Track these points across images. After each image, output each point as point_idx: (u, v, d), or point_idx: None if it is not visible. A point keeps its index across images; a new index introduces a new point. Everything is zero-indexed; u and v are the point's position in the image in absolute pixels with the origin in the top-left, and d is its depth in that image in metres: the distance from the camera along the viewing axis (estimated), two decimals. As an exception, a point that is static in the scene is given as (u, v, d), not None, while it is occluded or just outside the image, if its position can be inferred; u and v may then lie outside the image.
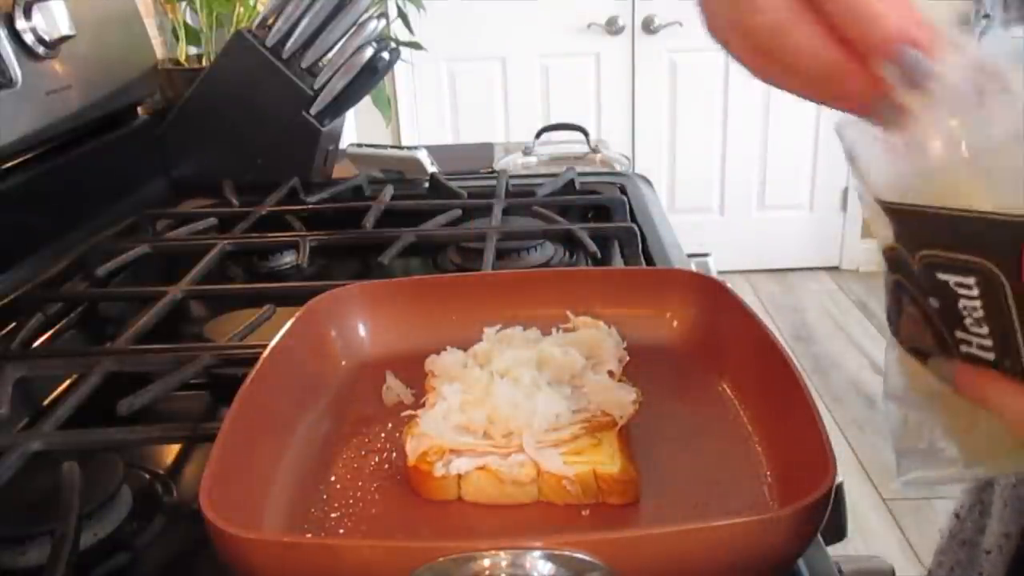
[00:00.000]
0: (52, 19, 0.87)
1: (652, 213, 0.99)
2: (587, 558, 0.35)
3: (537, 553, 0.35)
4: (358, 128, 2.69)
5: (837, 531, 0.57)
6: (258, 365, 0.50)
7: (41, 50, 0.86)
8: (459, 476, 0.46)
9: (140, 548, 0.48)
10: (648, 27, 3.06)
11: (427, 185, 1.10)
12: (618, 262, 0.83)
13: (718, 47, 0.36)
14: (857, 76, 0.32)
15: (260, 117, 1.10)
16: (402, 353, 0.59)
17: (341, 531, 0.44)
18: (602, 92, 3.15)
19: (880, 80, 0.31)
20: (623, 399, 0.49)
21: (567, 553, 0.35)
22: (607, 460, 0.45)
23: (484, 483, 0.46)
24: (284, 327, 0.55)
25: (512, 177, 1.08)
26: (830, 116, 0.35)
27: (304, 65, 1.09)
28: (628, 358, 0.54)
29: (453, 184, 1.06)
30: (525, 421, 0.47)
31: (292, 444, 0.50)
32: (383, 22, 1.11)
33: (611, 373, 0.52)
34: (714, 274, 0.82)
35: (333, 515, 0.45)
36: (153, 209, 1.02)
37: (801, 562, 0.44)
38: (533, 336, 0.56)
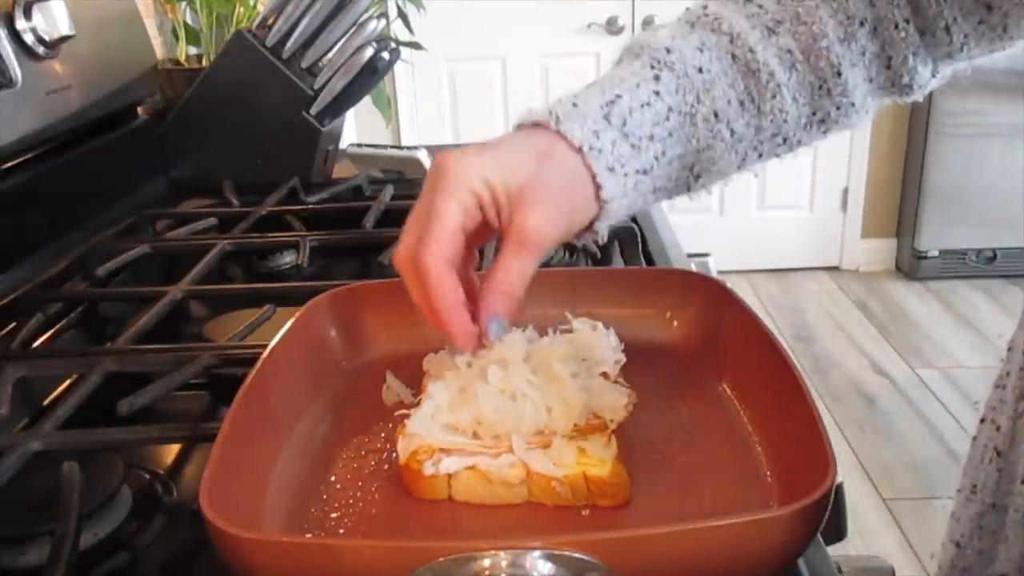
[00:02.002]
0: (52, 19, 0.87)
1: (652, 213, 0.99)
2: (587, 558, 0.35)
3: (537, 553, 0.35)
4: (358, 128, 2.69)
5: (837, 531, 0.57)
6: (258, 365, 0.50)
7: (41, 50, 0.86)
8: (449, 475, 0.46)
9: (140, 548, 0.48)
10: (648, 27, 3.06)
11: (427, 185, 1.10)
12: (618, 262, 0.83)
13: None
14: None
15: (260, 117, 1.10)
16: (402, 353, 0.59)
17: (341, 531, 0.44)
18: (602, 92, 3.15)
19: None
20: (615, 403, 0.49)
21: (567, 553, 0.35)
22: (597, 463, 0.45)
23: (473, 483, 0.46)
24: (284, 327, 0.55)
25: (512, 177, 1.08)
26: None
27: (304, 65, 1.09)
28: (625, 360, 0.54)
29: (453, 184, 1.05)
30: (513, 426, 0.46)
31: (292, 444, 0.50)
32: (383, 22, 1.11)
33: (605, 375, 0.52)
34: (714, 274, 0.82)
35: (333, 515, 0.45)
36: (153, 209, 1.02)
37: (801, 562, 0.44)
38: (530, 337, 0.56)
